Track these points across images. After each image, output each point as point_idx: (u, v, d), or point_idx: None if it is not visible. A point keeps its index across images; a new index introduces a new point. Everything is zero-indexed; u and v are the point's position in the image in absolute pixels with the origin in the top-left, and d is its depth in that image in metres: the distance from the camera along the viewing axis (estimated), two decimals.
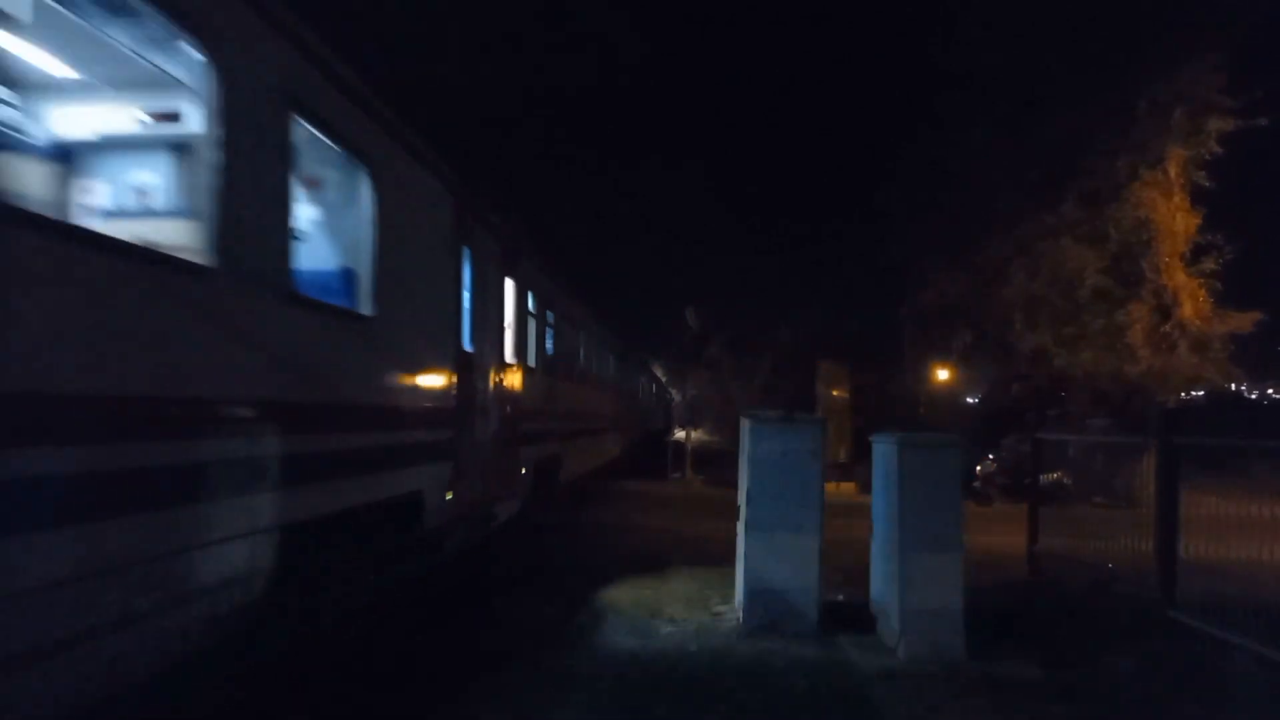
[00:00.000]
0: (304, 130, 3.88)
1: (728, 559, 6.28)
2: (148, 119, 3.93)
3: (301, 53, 3.83)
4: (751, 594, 5.73)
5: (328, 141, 4.13)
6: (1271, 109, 12.75)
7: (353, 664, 4.59)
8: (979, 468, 14.98)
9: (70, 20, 3.20)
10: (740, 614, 5.80)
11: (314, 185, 4.48)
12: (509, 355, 7.39)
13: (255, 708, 3.58)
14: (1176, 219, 13.40)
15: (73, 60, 3.65)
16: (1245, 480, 6.10)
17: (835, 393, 17.64)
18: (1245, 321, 13.52)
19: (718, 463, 19.52)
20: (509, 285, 7.48)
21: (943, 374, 20.09)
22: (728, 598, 6.29)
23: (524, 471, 7.91)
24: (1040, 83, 13.90)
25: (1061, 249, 13.76)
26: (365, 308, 4.43)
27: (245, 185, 3.30)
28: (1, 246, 2.22)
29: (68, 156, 3.86)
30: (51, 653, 2.42)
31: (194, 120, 3.40)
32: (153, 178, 3.91)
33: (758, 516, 5.76)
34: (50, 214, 2.62)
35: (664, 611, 6.14)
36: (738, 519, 5.98)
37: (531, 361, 8.39)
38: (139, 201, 3.87)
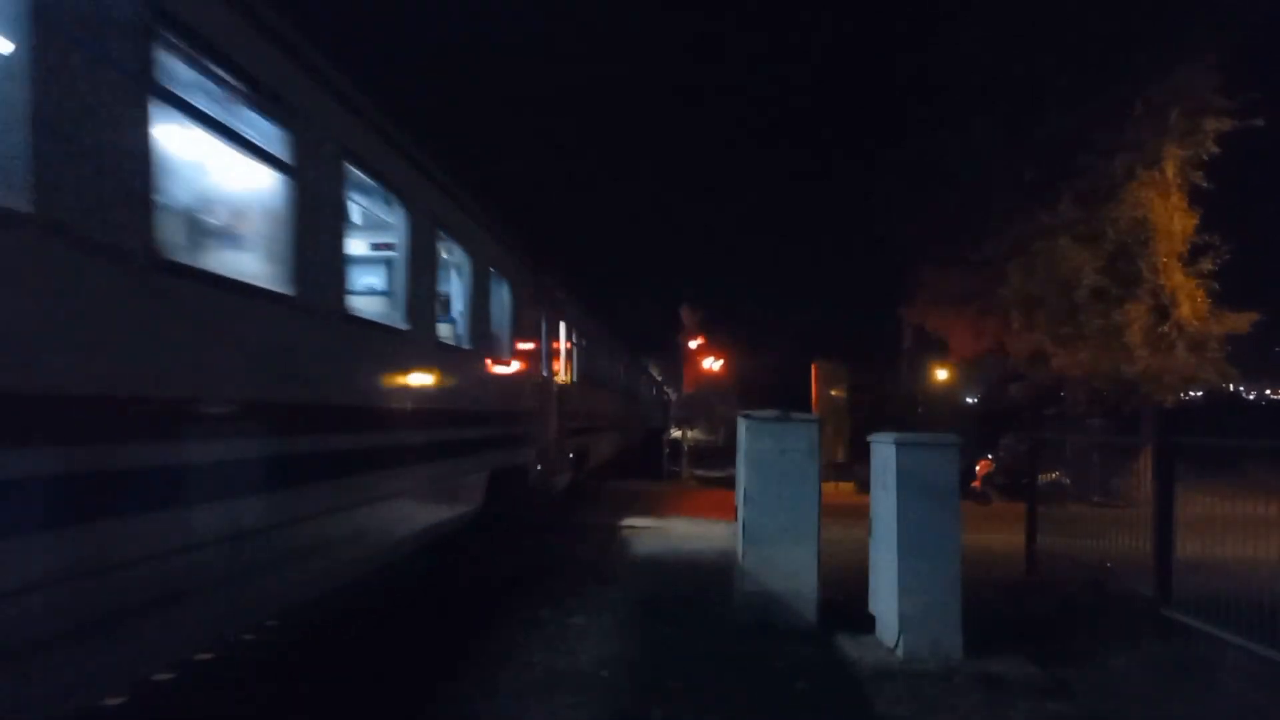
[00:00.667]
0: (497, 277, 7.06)
1: (724, 559, 6.28)
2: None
3: (521, 259, 7.85)
4: (749, 593, 5.73)
5: (501, 276, 7.20)
6: (1269, 109, 12.76)
7: (353, 661, 4.59)
8: (977, 467, 15.02)
9: None
10: (738, 613, 5.81)
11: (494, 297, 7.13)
12: (562, 375, 10.31)
13: (261, 706, 3.58)
14: (1174, 219, 13.38)
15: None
16: (1242, 480, 6.12)
17: (833, 392, 17.68)
18: (1242, 322, 13.50)
19: (714, 462, 19.54)
20: (562, 325, 10.35)
21: (941, 374, 20.13)
22: (725, 597, 6.30)
23: (570, 456, 10.71)
24: (1038, 82, 13.88)
25: (1059, 249, 13.73)
26: (506, 356, 7.28)
27: (480, 309, 6.45)
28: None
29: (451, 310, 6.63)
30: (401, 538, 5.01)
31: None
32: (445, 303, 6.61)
33: (755, 515, 5.77)
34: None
35: (661, 610, 6.16)
36: (735, 518, 5.99)
37: (574, 378, 11.31)
38: (447, 311, 6.44)
